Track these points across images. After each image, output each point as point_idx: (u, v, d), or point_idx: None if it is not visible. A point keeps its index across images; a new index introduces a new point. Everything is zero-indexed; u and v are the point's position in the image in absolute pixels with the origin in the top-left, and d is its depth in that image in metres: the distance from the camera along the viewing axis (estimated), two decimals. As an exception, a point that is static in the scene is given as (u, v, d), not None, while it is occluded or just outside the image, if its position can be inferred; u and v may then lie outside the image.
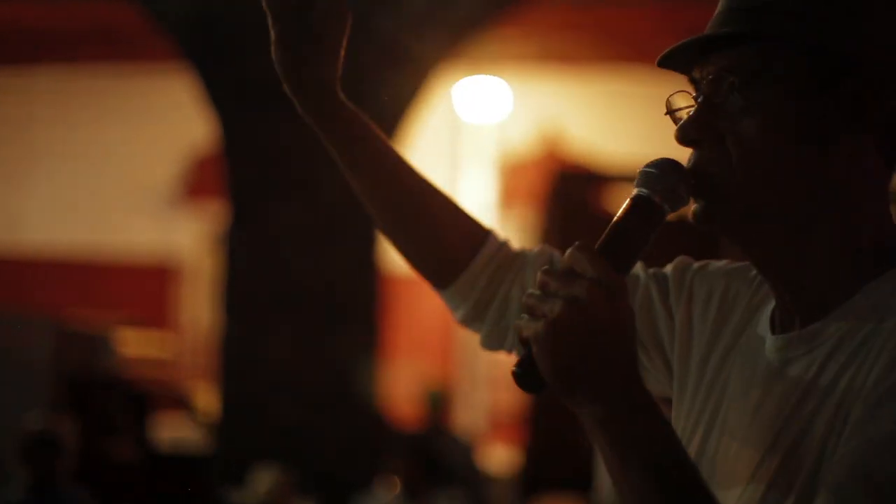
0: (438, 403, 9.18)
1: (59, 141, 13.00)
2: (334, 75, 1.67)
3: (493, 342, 1.77)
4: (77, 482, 5.98)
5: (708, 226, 1.42)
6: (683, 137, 1.42)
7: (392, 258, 7.97)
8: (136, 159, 12.86)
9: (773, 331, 1.45)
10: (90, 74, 12.74)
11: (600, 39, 10.86)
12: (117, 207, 12.92)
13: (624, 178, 9.02)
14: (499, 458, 10.35)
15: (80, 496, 5.92)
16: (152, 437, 8.43)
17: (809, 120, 1.38)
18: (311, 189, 7.98)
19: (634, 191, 1.37)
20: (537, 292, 1.29)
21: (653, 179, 1.36)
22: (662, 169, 1.37)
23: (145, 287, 12.84)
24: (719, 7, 1.44)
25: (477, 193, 11.57)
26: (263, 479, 6.88)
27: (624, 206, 1.36)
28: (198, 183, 12.62)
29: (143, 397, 8.38)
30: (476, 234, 1.75)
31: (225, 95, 8.26)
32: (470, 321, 1.77)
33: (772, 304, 1.47)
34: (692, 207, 1.42)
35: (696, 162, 1.41)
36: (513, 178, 12.07)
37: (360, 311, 8.20)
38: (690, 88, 1.44)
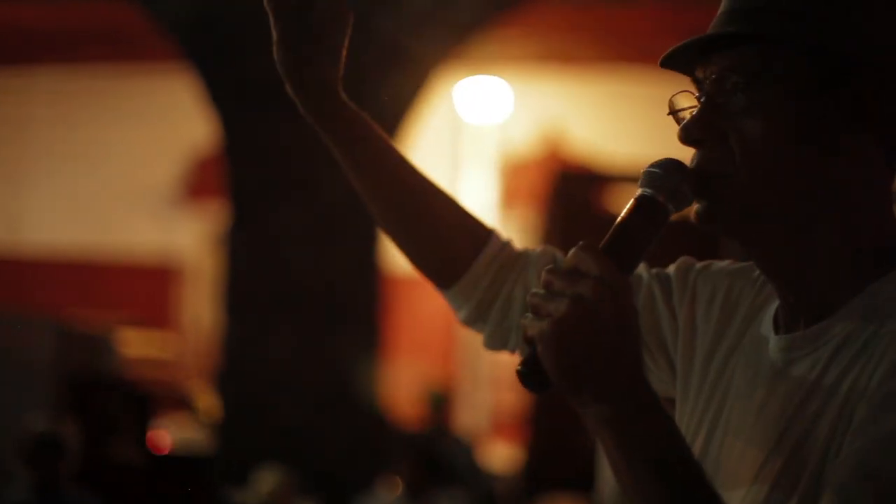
0: (440, 404, 9.18)
1: (60, 141, 13.01)
2: (336, 75, 1.67)
3: (496, 342, 1.77)
4: (81, 484, 5.97)
5: (710, 226, 1.42)
6: (686, 137, 1.42)
7: (393, 258, 7.97)
8: (136, 159, 12.87)
9: (777, 331, 1.45)
10: (90, 74, 12.74)
11: (601, 40, 10.87)
12: (118, 208, 12.93)
13: (625, 179, 9.03)
14: (500, 458, 10.35)
15: (83, 498, 5.92)
16: (153, 437, 8.43)
17: (809, 120, 1.38)
18: (312, 189, 7.98)
19: (638, 191, 1.37)
20: (542, 291, 1.29)
21: (657, 179, 1.36)
22: (666, 169, 1.37)
23: (146, 287, 12.85)
24: (722, 7, 1.44)
25: (478, 194, 11.58)
26: (265, 480, 6.88)
27: (628, 205, 1.36)
28: (198, 183, 12.63)
29: (144, 398, 8.38)
30: (479, 233, 1.75)
31: (225, 95, 8.27)
32: (473, 321, 1.76)
33: (775, 305, 1.47)
34: (695, 207, 1.42)
35: (700, 162, 1.41)
36: (514, 179, 12.08)
37: (361, 312, 8.20)
38: (693, 88, 1.44)
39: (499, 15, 8.35)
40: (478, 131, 12.10)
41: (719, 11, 1.44)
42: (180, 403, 10.05)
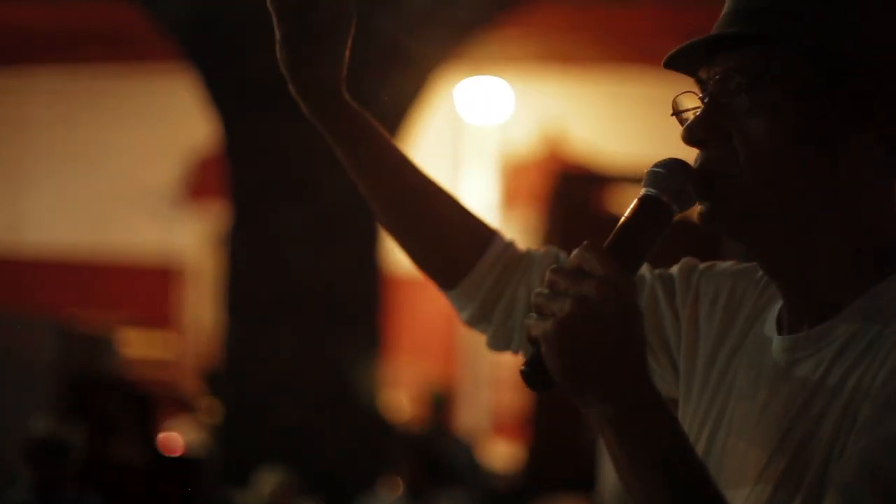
0: (440, 404, 9.19)
1: (60, 141, 13.02)
2: (339, 75, 1.67)
3: (499, 343, 1.77)
4: (84, 485, 5.98)
5: (714, 226, 1.42)
6: (690, 137, 1.42)
7: (394, 258, 7.97)
8: (137, 160, 12.87)
9: (780, 331, 1.45)
10: (90, 74, 12.74)
11: (601, 40, 10.87)
12: (119, 208, 12.93)
13: (625, 179, 9.04)
14: (501, 458, 10.35)
15: (85, 499, 5.92)
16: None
17: (809, 120, 1.38)
18: (313, 189, 7.98)
19: (642, 191, 1.37)
20: (546, 291, 1.29)
21: (661, 179, 1.36)
22: (670, 169, 1.37)
23: (147, 288, 12.85)
24: (725, 8, 1.45)
25: (478, 194, 11.58)
26: (266, 480, 6.88)
27: (632, 205, 1.36)
28: (199, 183, 12.63)
29: (144, 398, 8.37)
30: (482, 234, 1.75)
31: (226, 96, 8.27)
32: (476, 322, 1.77)
33: (778, 305, 1.47)
34: (698, 208, 1.42)
35: (703, 162, 1.41)
36: (514, 179, 12.08)
37: (361, 312, 8.20)
38: (696, 89, 1.45)
39: (499, 15, 8.36)
40: (478, 132, 12.10)
41: (723, 12, 1.44)
42: (181, 403, 10.05)
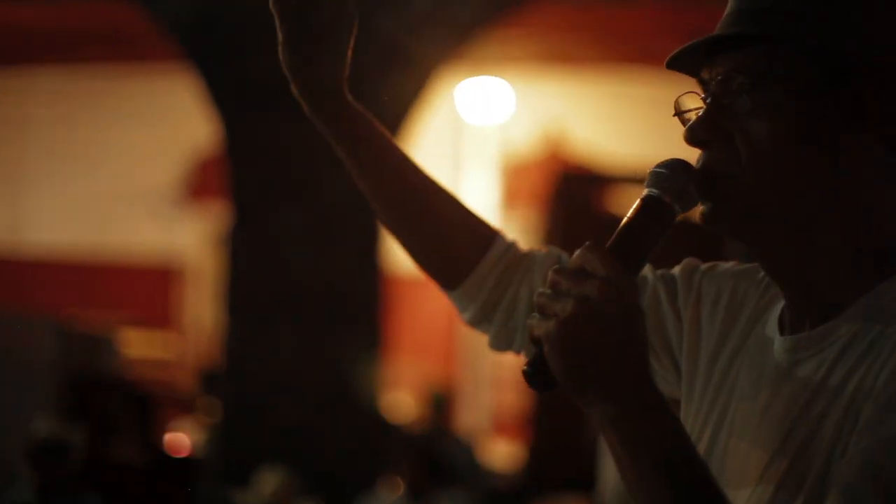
0: (441, 404, 9.19)
1: (60, 141, 13.02)
2: (342, 75, 1.68)
3: (501, 343, 1.77)
4: (84, 485, 5.98)
5: (716, 226, 1.42)
6: (692, 138, 1.42)
7: (394, 258, 7.97)
8: (137, 160, 12.87)
9: (782, 332, 1.45)
10: (90, 74, 12.74)
11: (602, 40, 10.86)
12: (120, 208, 12.93)
13: (626, 179, 9.04)
14: (501, 458, 10.35)
15: (85, 499, 5.92)
16: (154, 437, 8.43)
17: (810, 120, 1.38)
18: (314, 189, 7.98)
19: (645, 191, 1.37)
20: (548, 291, 1.29)
21: (663, 180, 1.36)
22: (673, 169, 1.37)
23: (148, 288, 12.85)
24: (728, 8, 1.45)
25: (479, 195, 11.57)
26: (266, 481, 6.88)
27: (634, 206, 1.36)
28: (200, 184, 12.63)
29: (144, 398, 8.38)
30: (484, 234, 1.76)
31: (227, 96, 8.26)
32: (478, 322, 1.77)
33: (780, 306, 1.47)
34: (700, 208, 1.42)
35: (706, 162, 1.41)
36: (515, 180, 12.08)
37: (362, 312, 8.20)
38: (698, 89, 1.45)
39: (500, 15, 8.35)
40: (479, 132, 12.10)
41: (725, 12, 1.44)
42: (181, 403, 10.05)
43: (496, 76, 11.67)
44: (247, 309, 8.23)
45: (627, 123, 11.40)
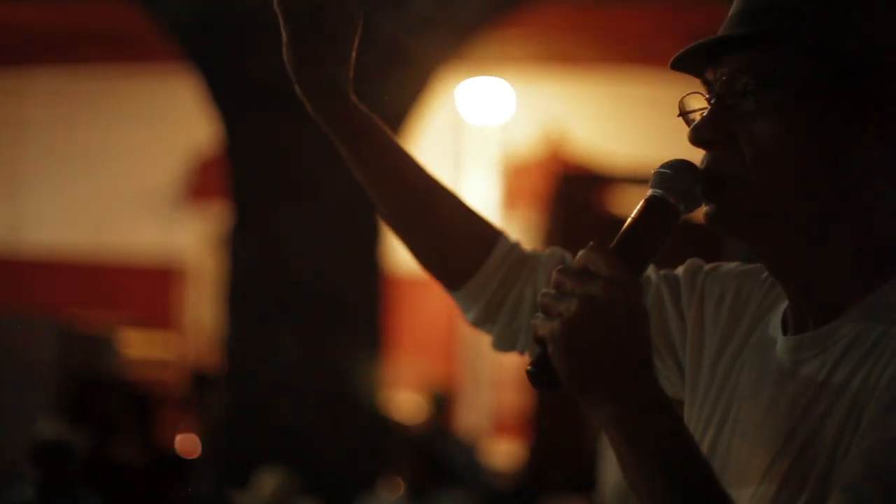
0: (441, 404, 9.19)
1: (60, 141, 13.01)
2: (346, 76, 1.68)
3: (504, 343, 1.77)
4: (84, 485, 5.99)
5: (720, 227, 1.42)
6: (697, 138, 1.42)
7: (395, 258, 7.97)
8: (137, 160, 12.86)
9: (785, 332, 1.46)
10: (90, 75, 12.74)
11: (602, 40, 10.86)
12: (120, 208, 12.93)
13: (627, 180, 9.04)
14: (502, 458, 10.35)
15: (86, 499, 5.93)
16: (155, 437, 8.43)
17: (814, 121, 1.38)
18: (314, 190, 7.98)
19: (649, 191, 1.37)
20: (553, 291, 1.29)
21: (668, 180, 1.36)
22: (677, 170, 1.37)
23: (147, 288, 12.84)
24: (732, 9, 1.45)
25: (480, 195, 11.57)
26: (266, 481, 6.88)
27: (638, 206, 1.36)
28: (200, 184, 12.62)
29: (145, 398, 8.38)
30: (487, 234, 1.76)
31: (226, 96, 8.26)
32: (481, 322, 1.77)
33: (783, 306, 1.48)
34: (704, 209, 1.42)
35: (710, 163, 1.41)
36: (516, 180, 12.08)
37: (363, 312, 8.20)
38: (703, 90, 1.45)
39: (500, 16, 8.35)
40: (479, 132, 12.10)
41: (730, 13, 1.44)
42: (181, 403, 10.04)
43: (496, 76, 11.67)
44: (247, 309, 8.23)
45: (628, 124, 11.40)
